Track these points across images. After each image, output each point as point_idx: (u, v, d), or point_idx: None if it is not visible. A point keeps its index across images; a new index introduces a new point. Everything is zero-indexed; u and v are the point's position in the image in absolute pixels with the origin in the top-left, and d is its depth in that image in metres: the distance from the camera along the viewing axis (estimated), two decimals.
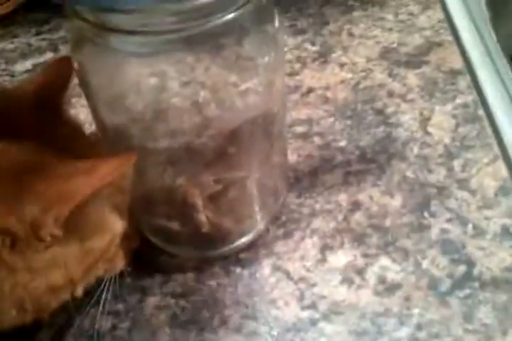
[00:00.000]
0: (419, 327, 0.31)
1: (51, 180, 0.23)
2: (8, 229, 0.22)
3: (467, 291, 0.32)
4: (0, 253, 0.23)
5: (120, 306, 0.35)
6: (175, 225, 0.34)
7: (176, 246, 0.36)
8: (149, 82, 0.30)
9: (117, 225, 0.28)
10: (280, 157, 0.36)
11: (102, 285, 0.31)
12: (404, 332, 0.31)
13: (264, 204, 0.36)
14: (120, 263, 0.30)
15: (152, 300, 0.35)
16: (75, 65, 0.30)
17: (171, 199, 0.33)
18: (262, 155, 0.33)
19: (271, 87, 0.32)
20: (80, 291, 0.27)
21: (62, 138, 0.29)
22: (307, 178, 0.41)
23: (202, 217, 0.33)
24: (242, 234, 0.36)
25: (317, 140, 0.44)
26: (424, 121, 0.43)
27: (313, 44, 0.53)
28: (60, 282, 0.25)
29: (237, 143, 0.31)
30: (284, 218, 0.38)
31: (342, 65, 0.50)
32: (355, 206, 0.38)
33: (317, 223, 0.38)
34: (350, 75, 0.49)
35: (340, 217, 0.38)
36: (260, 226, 0.37)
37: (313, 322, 0.32)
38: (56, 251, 0.24)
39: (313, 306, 0.33)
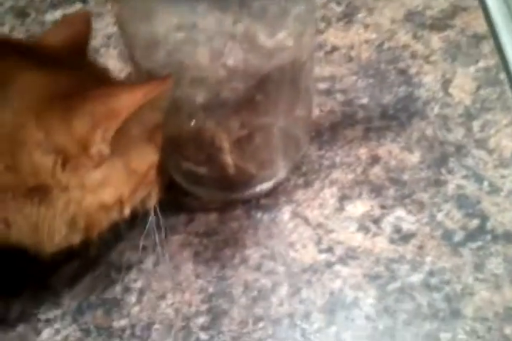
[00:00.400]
0: (431, 273, 0.33)
1: (97, 99, 0.24)
2: (60, 147, 0.23)
3: (479, 243, 0.34)
4: (54, 171, 0.24)
5: (147, 242, 0.36)
6: (202, 169, 0.35)
7: (201, 188, 0.38)
8: (179, 32, 0.30)
9: (153, 155, 0.29)
10: (305, 110, 0.37)
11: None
12: (416, 277, 0.33)
13: (287, 153, 0.37)
14: (155, 195, 0.31)
15: (176, 238, 0.36)
16: (115, 12, 0.30)
17: (200, 141, 0.34)
18: (288, 104, 0.34)
19: (301, 38, 0.32)
20: (127, 211, 0.29)
21: (94, 79, 0.30)
22: (328, 132, 0.42)
23: (228, 159, 0.34)
24: (264, 180, 0.37)
25: (339, 96, 0.44)
26: (446, 83, 0.44)
27: (338, 4, 0.54)
28: (110, 200, 0.26)
29: (265, 91, 0.32)
30: (304, 168, 0.40)
31: (366, 26, 0.51)
32: (374, 160, 0.39)
33: (336, 174, 0.39)
34: (374, 36, 0.50)
35: (359, 170, 0.39)
36: (281, 173, 0.38)
37: (329, 265, 0.34)
38: (105, 170, 0.25)
39: (329, 250, 0.35)
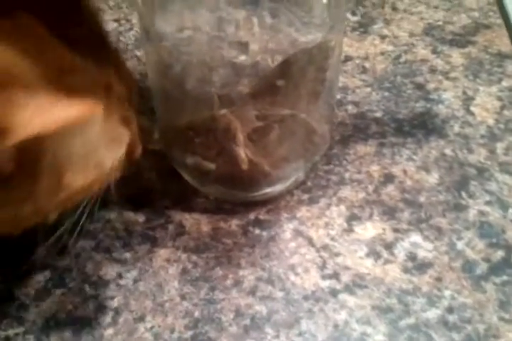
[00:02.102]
0: (450, 310, 0.29)
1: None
2: None
3: (505, 278, 0.30)
4: None
5: (128, 255, 0.32)
6: (210, 164, 0.32)
7: (209, 186, 0.34)
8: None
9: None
10: (328, 105, 0.34)
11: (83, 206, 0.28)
12: (433, 313, 0.29)
13: (305, 152, 0.34)
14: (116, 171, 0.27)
15: (162, 252, 0.32)
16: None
17: (211, 132, 0.31)
18: (311, 94, 0.31)
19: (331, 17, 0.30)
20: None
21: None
22: (338, 146, 0.38)
23: (241, 153, 0.31)
24: (278, 180, 0.34)
25: (351, 108, 0.41)
26: (467, 101, 0.41)
27: (354, 14, 0.51)
28: None
29: (288, 76, 0.29)
30: (310, 183, 0.36)
31: (383, 37, 0.48)
32: (388, 178, 0.36)
33: (345, 192, 0.35)
34: (391, 48, 0.47)
35: (370, 188, 0.35)
36: (298, 175, 0.34)
37: (334, 293, 0.30)
38: None
39: (335, 276, 0.31)
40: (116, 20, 0.48)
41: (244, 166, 0.32)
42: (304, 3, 0.29)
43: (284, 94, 0.30)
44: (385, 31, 0.48)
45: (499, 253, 0.31)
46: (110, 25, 0.47)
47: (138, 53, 0.45)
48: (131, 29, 0.47)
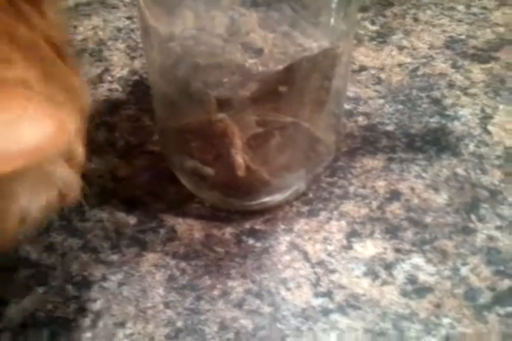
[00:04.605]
0: (447, 339, 0.27)
1: None
2: None
3: (509, 309, 0.28)
4: None
5: (115, 257, 0.31)
6: (208, 169, 0.31)
7: (206, 192, 0.33)
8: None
9: None
10: (334, 115, 0.32)
11: None
12: None
13: (307, 161, 0.32)
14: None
15: (151, 257, 0.31)
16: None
17: (209, 136, 0.30)
18: (315, 102, 0.30)
19: (338, 23, 0.29)
20: None
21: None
22: (345, 158, 0.37)
23: (239, 159, 0.30)
24: (277, 190, 0.32)
25: (361, 120, 0.39)
26: (485, 119, 0.39)
27: (373, 23, 0.49)
28: None
29: (291, 82, 0.28)
30: (311, 195, 0.34)
31: (401, 48, 0.46)
32: (394, 195, 0.34)
33: (348, 206, 0.33)
34: (408, 60, 0.45)
35: (374, 204, 0.34)
36: (298, 185, 0.33)
37: (326, 313, 0.28)
38: None
39: (328, 294, 0.29)
40: (129, 18, 0.47)
41: (241, 173, 0.31)
42: (312, 7, 0.28)
43: (287, 100, 0.29)
44: (404, 42, 0.47)
45: (506, 282, 0.29)
46: (122, 23, 0.47)
47: None
48: None
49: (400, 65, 0.44)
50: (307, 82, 0.29)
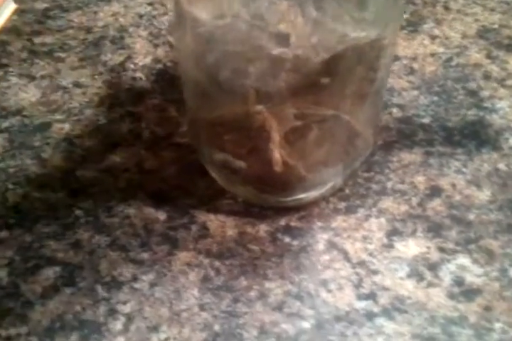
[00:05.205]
0: None
1: None
2: None
3: None
4: None
5: (145, 255, 0.29)
6: (240, 162, 0.29)
7: (237, 186, 0.32)
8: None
9: None
10: (374, 107, 0.31)
11: None
12: None
13: (345, 156, 0.31)
14: None
15: (184, 255, 0.29)
16: None
17: (244, 128, 0.29)
18: (358, 94, 0.28)
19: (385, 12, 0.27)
20: None
21: None
22: (381, 152, 0.35)
23: (276, 154, 0.28)
24: (313, 186, 0.31)
25: (396, 112, 0.38)
26: None
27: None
28: None
29: (334, 73, 0.26)
30: (347, 191, 0.33)
31: (433, 38, 0.44)
32: (434, 191, 0.33)
33: (387, 203, 0.32)
34: (441, 49, 0.43)
35: (414, 201, 0.32)
36: (335, 181, 0.31)
37: (370, 316, 0.27)
38: None
39: (371, 297, 0.28)
40: (150, 4, 0.45)
41: (278, 168, 0.29)
42: None
43: (328, 93, 0.28)
44: (436, 31, 0.45)
45: None
46: (143, 9, 0.45)
47: (170, 39, 0.42)
48: (165, 14, 0.44)
49: (432, 55, 0.43)
50: (351, 73, 0.27)
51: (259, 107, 0.28)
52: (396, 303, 0.27)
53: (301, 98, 0.28)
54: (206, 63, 0.29)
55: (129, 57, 0.41)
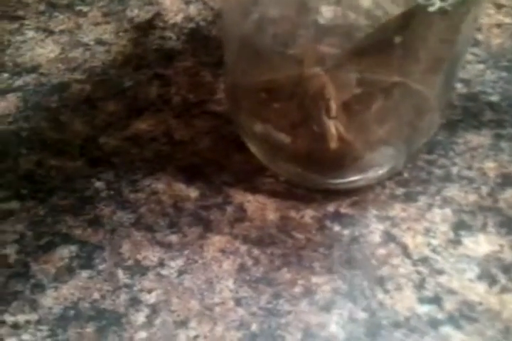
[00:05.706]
0: None
1: None
2: None
3: None
4: None
5: (174, 238, 0.26)
6: (284, 136, 0.26)
7: (280, 164, 0.28)
8: None
9: None
10: (447, 80, 0.26)
11: None
12: None
13: (410, 135, 0.27)
14: None
15: (217, 240, 0.26)
16: None
17: (296, 94, 0.24)
18: (434, 59, 0.24)
19: None
20: None
21: None
22: (444, 132, 0.31)
23: (331, 125, 0.24)
24: (369, 166, 0.27)
25: (461, 87, 0.33)
26: None
27: None
28: None
29: (409, 31, 0.22)
30: (406, 175, 0.29)
31: (499, 7, 0.39)
32: (507, 180, 0.28)
33: (452, 191, 0.28)
34: (508, 20, 0.38)
35: (484, 190, 0.28)
36: (394, 163, 0.27)
37: (434, 324, 0.23)
38: None
39: (436, 301, 0.24)
40: None
41: (333, 144, 0.25)
42: None
43: (399, 55, 0.23)
44: (503, 0, 0.40)
45: None
46: None
47: None
48: None
49: (498, 26, 0.38)
50: (430, 32, 0.23)
51: (317, 69, 0.24)
52: (464, 310, 0.24)
53: (366, 60, 0.24)
54: (256, 15, 0.25)
55: (157, 14, 0.37)
